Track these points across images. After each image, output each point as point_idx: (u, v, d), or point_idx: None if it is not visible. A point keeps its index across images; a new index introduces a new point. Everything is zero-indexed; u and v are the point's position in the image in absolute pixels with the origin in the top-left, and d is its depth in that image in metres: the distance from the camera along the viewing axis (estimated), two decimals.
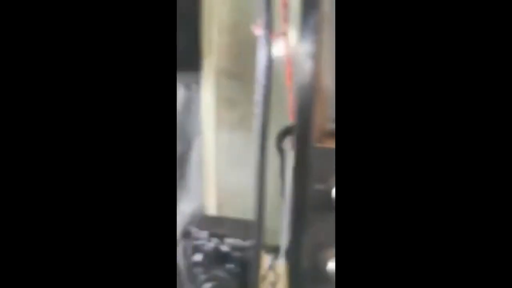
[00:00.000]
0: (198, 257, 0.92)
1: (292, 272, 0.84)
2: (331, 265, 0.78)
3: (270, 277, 1.02)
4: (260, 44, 0.76)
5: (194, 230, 0.92)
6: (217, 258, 0.87)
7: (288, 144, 1.04)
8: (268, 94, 0.77)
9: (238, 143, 1.25)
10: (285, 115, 0.97)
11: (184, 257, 1.35)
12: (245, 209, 1.25)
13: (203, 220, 0.99)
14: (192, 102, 1.28)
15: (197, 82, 1.26)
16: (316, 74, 0.80)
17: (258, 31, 0.77)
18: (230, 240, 0.86)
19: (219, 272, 0.87)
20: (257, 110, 0.78)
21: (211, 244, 0.88)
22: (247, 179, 1.28)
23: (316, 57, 0.79)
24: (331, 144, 0.81)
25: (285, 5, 0.90)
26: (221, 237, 0.87)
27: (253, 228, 0.80)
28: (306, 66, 0.79)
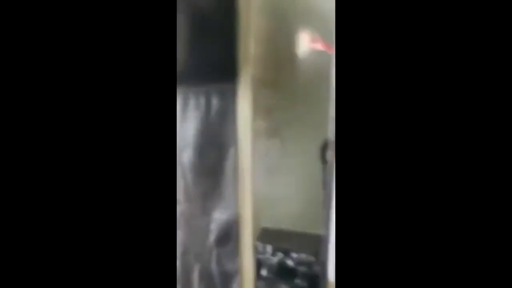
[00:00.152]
0: (263, 271, 0.94)
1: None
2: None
3: None
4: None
5: (258, 244, 0.93)
6: (282, 273, 0.89)
7: (331, 155, 1.06)
8: None
9: (274, 151, 1.27)
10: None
11: (218, 265, 1.37)
12: (281, 218, 1.27)
13: (266, 234, 1.00)
14: (228, 111, 1.29)
15: (233, 91, 1.27)
16: None
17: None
18: (295, 255, 0.88)
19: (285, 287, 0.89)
20: None
21: (275, 259, 0.90)
22: (283, 187, 1.30)
23: None
24: None
25: None
26: (286, 252, 0.88)
27: (319, 242, 0.82)
28: None
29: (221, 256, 1.35)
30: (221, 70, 1.24)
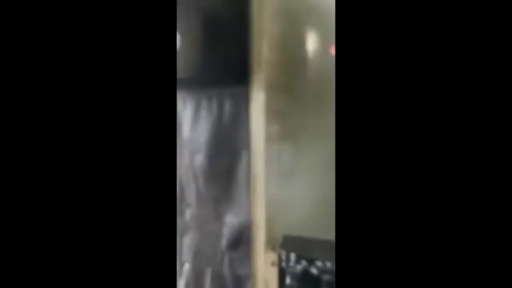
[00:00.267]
0: (286, 280, 0.94)
1: None
2: None
3: None
4: None
5: (281, 252, 0.93)
6: (306, 281, 0.88)
7: None
8: None
9: (287, 155, 1.27)
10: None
11: (230, 269, 1.37)
12: (294, 222, 1.27)
13: (288, 241, 0.99)
14: (240, 115, 1.29)
15: (246, 95, 1.26)
16: None
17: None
18: (319, 263, 0.87)
19: None
20: None
21: (299, 267, 0.90)
22: (296, 191, 1.30)
23: None
24: None
25: None
26: (310, 260, 0.88)
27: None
28: None
29: (234, 261, 1.35)
30: (234, 74, 1.24)
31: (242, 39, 1.22)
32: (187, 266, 1.45)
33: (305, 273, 0.88)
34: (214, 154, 1.35)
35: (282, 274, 0.91)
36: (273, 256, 1.21)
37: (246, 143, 1.28)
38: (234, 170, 1.32)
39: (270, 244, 1.24)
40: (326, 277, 0.87)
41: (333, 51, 1.07)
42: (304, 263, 0.88)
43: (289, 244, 0.96)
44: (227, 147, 1.32)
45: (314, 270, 0.88)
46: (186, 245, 1.46)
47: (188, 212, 1.45)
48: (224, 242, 1.35)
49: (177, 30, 1.13)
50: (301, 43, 1.31)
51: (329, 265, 0.87)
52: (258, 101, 1.23)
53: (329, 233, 0.99)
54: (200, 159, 1.37)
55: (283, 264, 0.89)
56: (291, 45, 1.26)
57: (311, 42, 1.30)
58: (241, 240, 1.32)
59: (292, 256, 0.90)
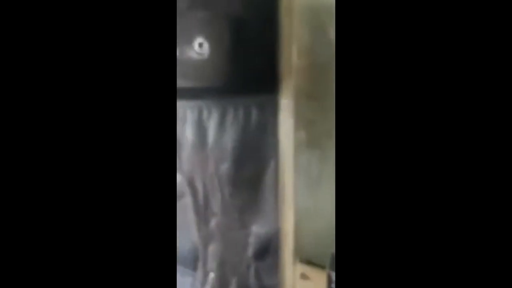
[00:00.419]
0: None
1: None
2: None
3: None
4: None
5: (329, 272, 0.90)
6: None
7: None
8: None
9: (316, 163, 1.24)
10: None
11: (256, 279, 1.35)
12: (324, 232, 1.24)
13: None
14: (268, 123, 1.26)
15: (273, 103, 1.24)
16: None
17: None
18: None
19: None
20: None
21: None
22: (325, 200, 1.28)
23: None
24: None
25: None
26: None
27: None
28: None
29: (260, 271, 1.32)
30: (262, 81, 1.22)
31: (270, 46, 1.21)
32: (211, 275, 1.43)
33: None
34: (240, 162, 1.33)
35: None
36: (302, 268, 1.18)
37: (273, 151, 1.26)
38: (261, 178, 1.30)
39: (298, 255, 1.22)
40: None
41: None
42: None
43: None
44: (254, 155, 1.30)
45: None
46: (210, 254, 1.44)
47: (213, 221, 1.43)
48: (250, 251, 1.33)
49: (205, 39, 1.12)
50: (331, 49, 1.28)
51: None
52: (286, 108, 1.21)
53: None
54: (225, 167, 1.36)
55: (333, 286, 0.85)
56: (321, 54, 1.24)
57: None
58: (268, 250, 1.29)
59: None
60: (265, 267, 1.31)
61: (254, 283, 1.33)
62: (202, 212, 1.43)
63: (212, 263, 1.43)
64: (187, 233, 1.46)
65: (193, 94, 1.25)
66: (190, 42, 1.15)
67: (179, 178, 1.44)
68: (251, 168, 1.30)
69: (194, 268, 1.48)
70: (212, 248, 1.42)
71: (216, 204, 1.40)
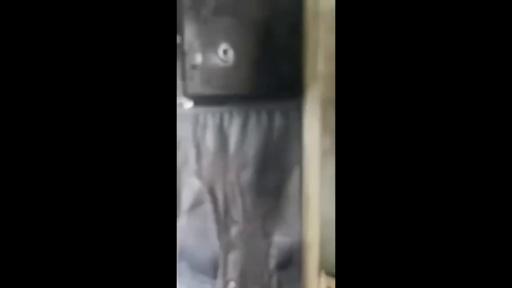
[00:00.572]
0: None
1: None
2: None
3: None
4: None
5: None
6: None
7: None
8: None
9: None
10: None
11: None
12: None
13: None
14: (291, 130, 1.23)
15: (298, 108, 1.21)
16: None
17: None
18: None
19: None
20: None
21: None
22: None
23: None
24: None
25: None
26: None
27: None
28: None
29: (282, 282, 1.29)
30: (287, 88, 1.19)
31: (296, 52, 1.18)
32: (232, 285, 1.41)
33: None
34: (262, 170, 1.30)
35: None
36: (327, 281, 1.15)
37: (298, 159, 1.23)
38: (284, 186, 1.27)
39: (323, 267, 1.19)
40: None
41: None
42: None
43: None
44: (277, 162, 1.27)
45: None
46: (231, 262, 1.41)
47: (233, 229, 1.40)
48: (272, 262, 1.30)
49: (230, 46, 1.10)
50: None
51: None
52: (312, 114, 1.18)
53: None
54: (247, 174, 1.33)
55: None
56: None
57: None
58: (291, 261, 1.27)
59: None
60: (288, 278, 1.28)
61: None
62: (222, 220, 1.40)
63: (232, 272, 1.40)
64: (207, 240, 1.44)
65: (216, 100, 1.22)
66: (214, 49, 1.12)
67: (198, 184, 1.41)
68: (274, 175, 1.28)
69: (214, 276, 1.45)
70: (233, 257, 1.40)
71: (237, 212, 1.37)
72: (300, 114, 1.21)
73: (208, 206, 1.41)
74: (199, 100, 1.18)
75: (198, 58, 1.13)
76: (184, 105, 1.16)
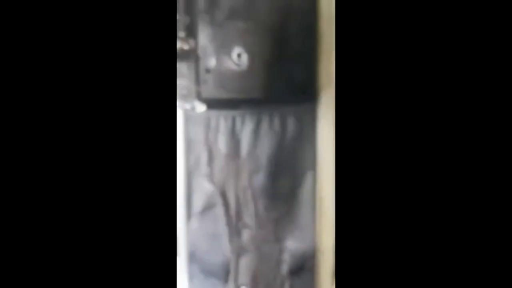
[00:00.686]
0: None
1: None
2: None
3: None
4: None
5: None
6: None
7: None
8: None
9: None
10: None
11: None
12: None
13: None
14: (305, 134, 1.22)
15: (312, 112, 1.20)
16: None
17: None
18: None
19: None
20: None
21: None
22: None
23: None
24: None
25: None
26: None
27: None
28: None
29: None
30: (301, 92, 1.18)
31: (310, 56, 1.17)
32: None
33: None
34: (275, 174, 1.29)
35: None
36: None
37: (312, 163, 1.21)
38: (298, 191, 1.26)
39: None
40: None
41: None
42: None
43: None
44: (290, 167, 1.26)
45: None
46: (242, 267, 1.41)
47: (245, 233, 1.39)
48: (285, 267, 1.29)
49: (244, 49, 1.09)
50: None
51: None
52: (326, 117, 1.16)
53: None
54: (260, 178, 1.32)
55: None
56: None
57: None
58: (304, 267, 1.25)
59: None
60: (300, 284, 1.26)
61: None
62: (234, 224, 1.39)
63: (244, 277, 1.39)
64: (218, 244, 1.43)
65: (228, 104, 1.21)
66: (228, 52, 1.11)
67: (210, 188, 1.41)
68: (287, 180, 1.26)
69: (225, 280, 1.44)
70: (245, 262, 1.39)
71: (249, 216, 1.36)
72: (314, 117, 1.19)
73: (219, 210, 1.40)
74: (212, 104, 1.18)
75: (212, 62, 1.12)
76: (197, 108, 1.15)
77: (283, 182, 1.27)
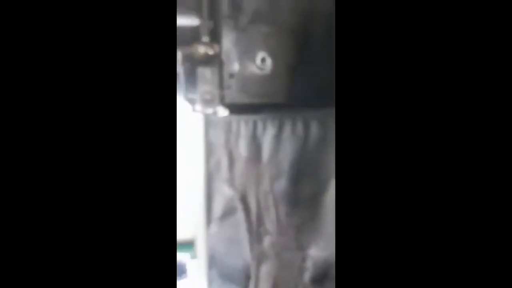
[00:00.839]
0: None
1: None
2: None
3: None
4: None
5: None
6: None
7: None
8: None
9: None
10: None
11: None
12: None
13: None
14: (328, 138, 1.19)
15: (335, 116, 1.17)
16: None
17: None
18: None
19: None
20: None
21: None
22: None
23: None
24: None
25: None
26: None
27: None
28: None
29: None
30: (325, 96, 1.15)
31: (333, 59, 1.14)
32: None
33: None
34: (297, 179, 1.27)
35: None
36: None
37: (334, 170, 1.19)
38: (320, 197, 1.23)
39: None
40: None
41: None
42: None
43: None
44: (313, 173, 1.23)
45: None
46: (263, 273, 1.39)
47: (266, 239, 1.37)
48: (307, 275, 1.27)
49: (268, 54, 1.07)
50: None
51: None
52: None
53: None
54: (281, 184, 1.30)
55: None
56: None
57: None
58: (327, 275, 1.22)
59: None
60: None
61: None
62: (255, 230, 1.37)
63: (264, 284, 1.37)
64: (238, 250, 1.41)
65: (250, 108, 1.20)
66: (252, 57, 1.10)
67: (230, 192, 1.39)
68: (310, 186, 1.24)
69: (245, 286, 1.43)
70: (265, 268, 1.37)
71: (270, 222, 1.34)
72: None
73: (240, 215, 1.39)
74: (234, 108, 1.16)
75: (236, 67, 1.10)
76: (219, 113, 1.13)
77: (306, 188, 1.25)
